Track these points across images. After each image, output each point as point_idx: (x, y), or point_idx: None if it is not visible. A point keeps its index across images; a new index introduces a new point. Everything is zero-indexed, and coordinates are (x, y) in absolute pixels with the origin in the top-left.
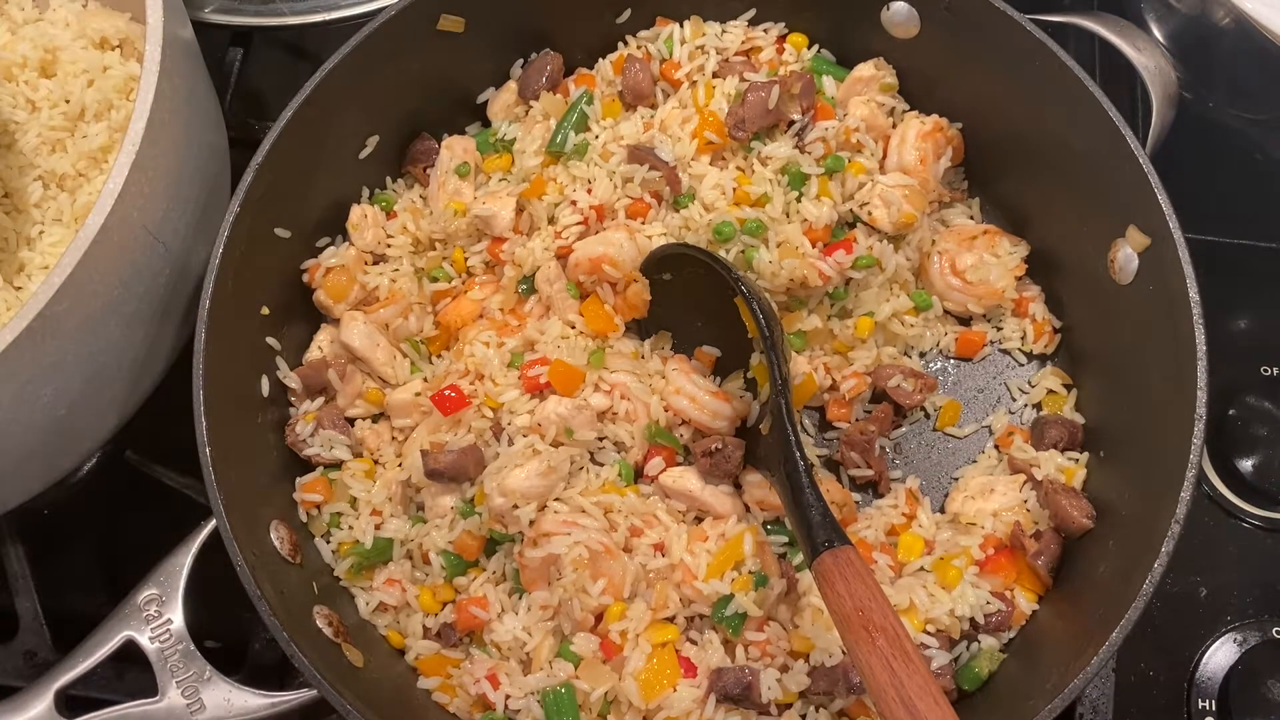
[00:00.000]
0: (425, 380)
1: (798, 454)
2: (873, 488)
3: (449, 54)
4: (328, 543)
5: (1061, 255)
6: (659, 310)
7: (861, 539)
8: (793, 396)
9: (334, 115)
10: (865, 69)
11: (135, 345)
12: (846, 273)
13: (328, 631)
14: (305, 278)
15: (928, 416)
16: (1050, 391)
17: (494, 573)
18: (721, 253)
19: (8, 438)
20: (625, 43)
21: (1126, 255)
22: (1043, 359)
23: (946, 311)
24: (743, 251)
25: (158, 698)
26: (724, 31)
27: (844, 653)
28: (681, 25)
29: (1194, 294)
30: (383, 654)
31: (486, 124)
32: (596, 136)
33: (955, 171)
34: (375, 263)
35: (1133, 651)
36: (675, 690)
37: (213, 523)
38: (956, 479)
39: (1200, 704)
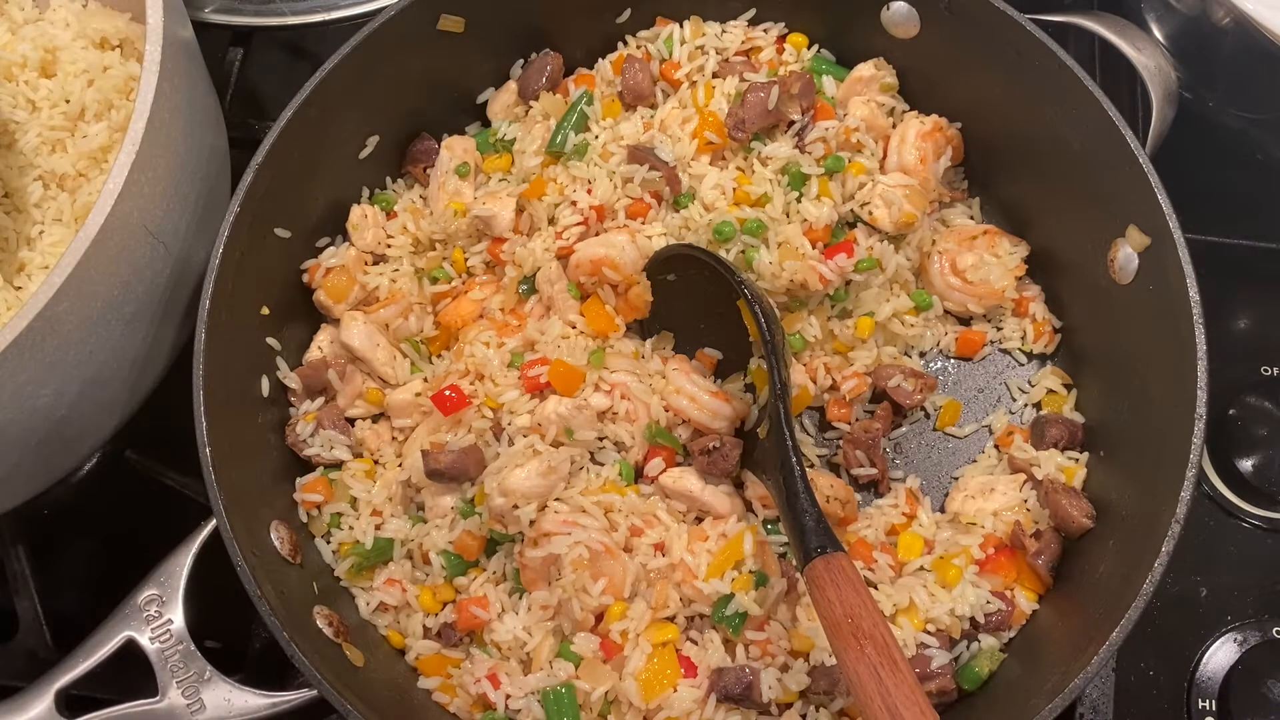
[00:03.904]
0: (425, 380)
1: (794, 459)
2: (873, 487)
3: (449, 54)
4: (328, 543)
5: (1061, 255)
6: (663, 310)
7: (861, 538)
8: (791, 403)
9: (334, 115)
10: (865, 69)
11: (135, 345)
12: (848, 275)
13: (328, 631)
14: (305, 278)
15: (928, 416)
16: (1050, 391)
17: (494, 573)
18: (722, 253)
19: (8, 438)
20: (625, 43)
21: (1126, 255)
22: (1043, 359)
23: (947, 311)
24: (743, 252)
25: (158, 698)
26: (724, 31)
27: None
28: (681, 25)
29: (1194, 294)
30: (383, 654)
31: (486, 124)
32: (596, 137)
33: (955, 171)
34: (375, 263)
35: (1133, 651)
36: (675, 690)
37: (213, 523)
38: (956, 478)
39: (1200, 704)
